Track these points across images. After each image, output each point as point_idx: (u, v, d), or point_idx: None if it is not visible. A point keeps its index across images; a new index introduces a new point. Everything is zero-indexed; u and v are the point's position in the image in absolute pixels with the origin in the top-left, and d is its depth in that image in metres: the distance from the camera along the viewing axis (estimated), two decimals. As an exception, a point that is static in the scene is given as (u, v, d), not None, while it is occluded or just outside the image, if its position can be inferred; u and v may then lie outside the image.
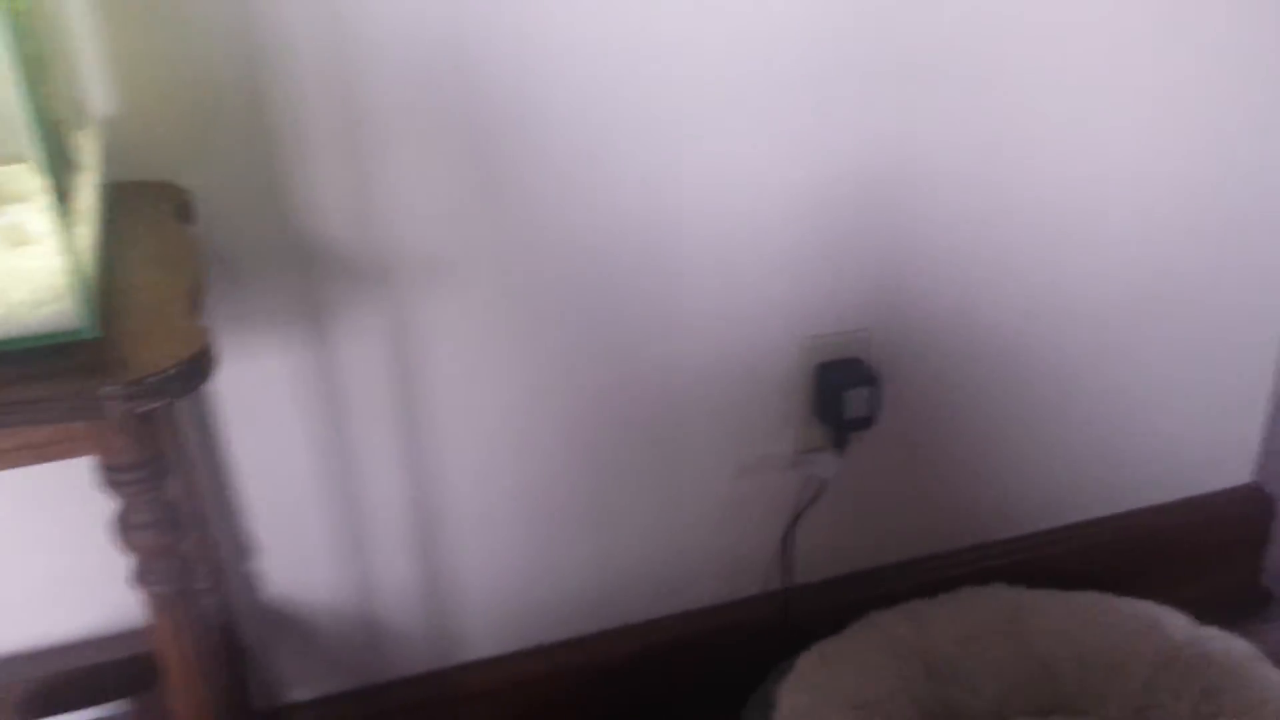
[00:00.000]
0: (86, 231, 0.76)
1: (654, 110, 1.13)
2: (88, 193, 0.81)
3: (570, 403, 1.24)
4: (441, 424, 1.20)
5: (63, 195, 0.72)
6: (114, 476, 0.75)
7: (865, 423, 1.33)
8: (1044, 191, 1.32)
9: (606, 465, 1.29)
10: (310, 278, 1.09)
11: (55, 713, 1.08)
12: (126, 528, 0.76)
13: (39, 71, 0.70)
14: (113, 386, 0.70)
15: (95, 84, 0.96)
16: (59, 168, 0.72)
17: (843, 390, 1.31)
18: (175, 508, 0.78)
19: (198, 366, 0.74)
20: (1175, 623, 1.38)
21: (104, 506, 0.78)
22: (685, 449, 1.32)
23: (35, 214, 0.80)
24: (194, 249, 0.89)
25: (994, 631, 1.39)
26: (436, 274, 1.14)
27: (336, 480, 1.19)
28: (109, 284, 0.80)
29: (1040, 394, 1.45)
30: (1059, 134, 1.29)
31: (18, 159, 0.86)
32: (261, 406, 1.12)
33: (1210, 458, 1.62)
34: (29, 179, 0.85)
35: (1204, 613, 1.40)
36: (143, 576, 0.77)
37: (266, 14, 0.97)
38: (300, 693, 1.29)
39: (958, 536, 1.52)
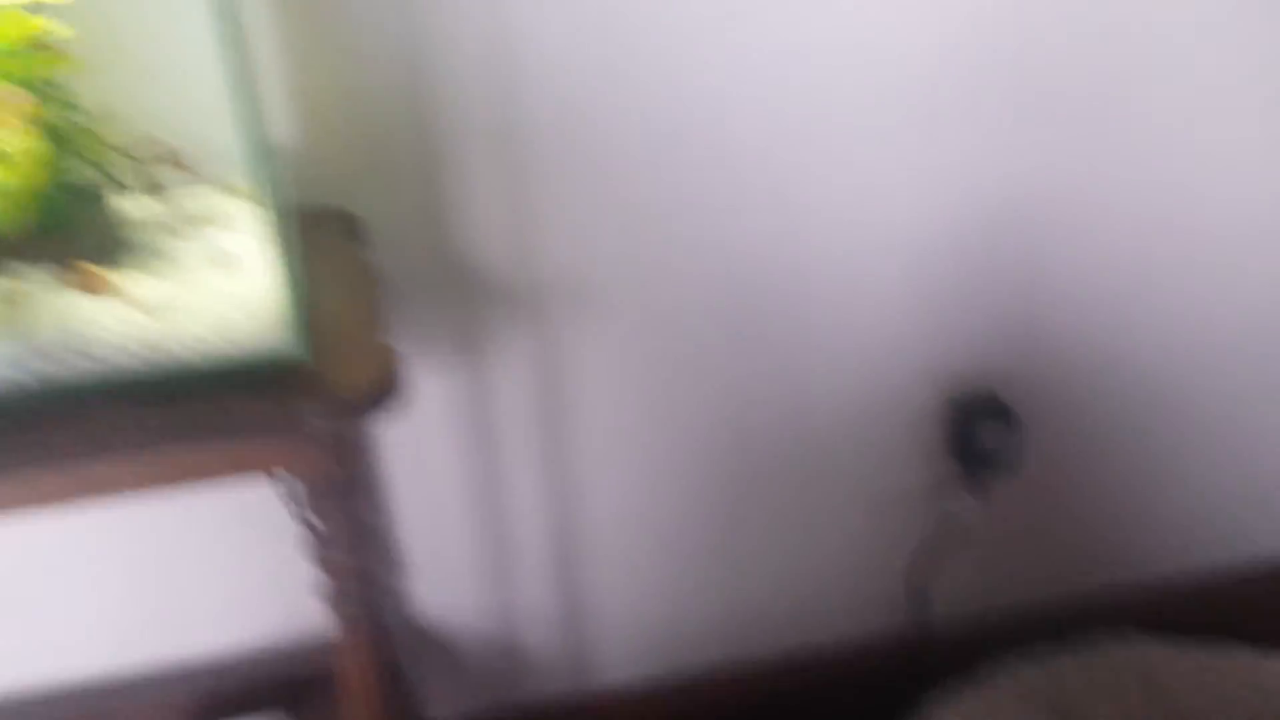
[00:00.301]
0: (290, 256, 0.79)
1: (794, 147, 1.13)
2: (286, 218, 0.85)
3: (708, 433, 1.25)
4: (584, 452, 1.22)
5: (274, 221, 0.76)
6: (313, 495, 0.78)
7: (1001, 461, 1.31)
8: (1187, 229, 1.29)
9: (742, 497, 1.29)
10: (466, 303, 1.12)
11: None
12: (322, 546, 0.79)
13: (255, 97, 0.73)
14: (318, 405, 0.74)
15: (272, 112, 1.01)
16: (273, 194, 0.75)
17: (979, 428, 1.30)
18: (369, 528, 0.80)
19: (392, 387, 0.77)
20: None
21: (272, 528, 0.81)
22: (819, 483, 1.31)
23: (240, 238, 0.84)
24: (372, 273, 0.92)
25: (1130, 685, 1.35)
26: (584, 301, 1.16)
27: (483, 504, 1.21)
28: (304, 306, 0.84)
29: (1183, 435, 1.42)
30: (1204, 171, 1.26)
31: (225, 183, 0.91)
32: (414, 428, 1.15)
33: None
34: (231, 203, 0.89)
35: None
36: (334, 595, 0.80)
37: (433, 48, 1.00)
38: (439, 710, 1.31)
39: (1094, 579, 1.49)
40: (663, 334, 1.19)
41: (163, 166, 0.82)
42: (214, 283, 0.77)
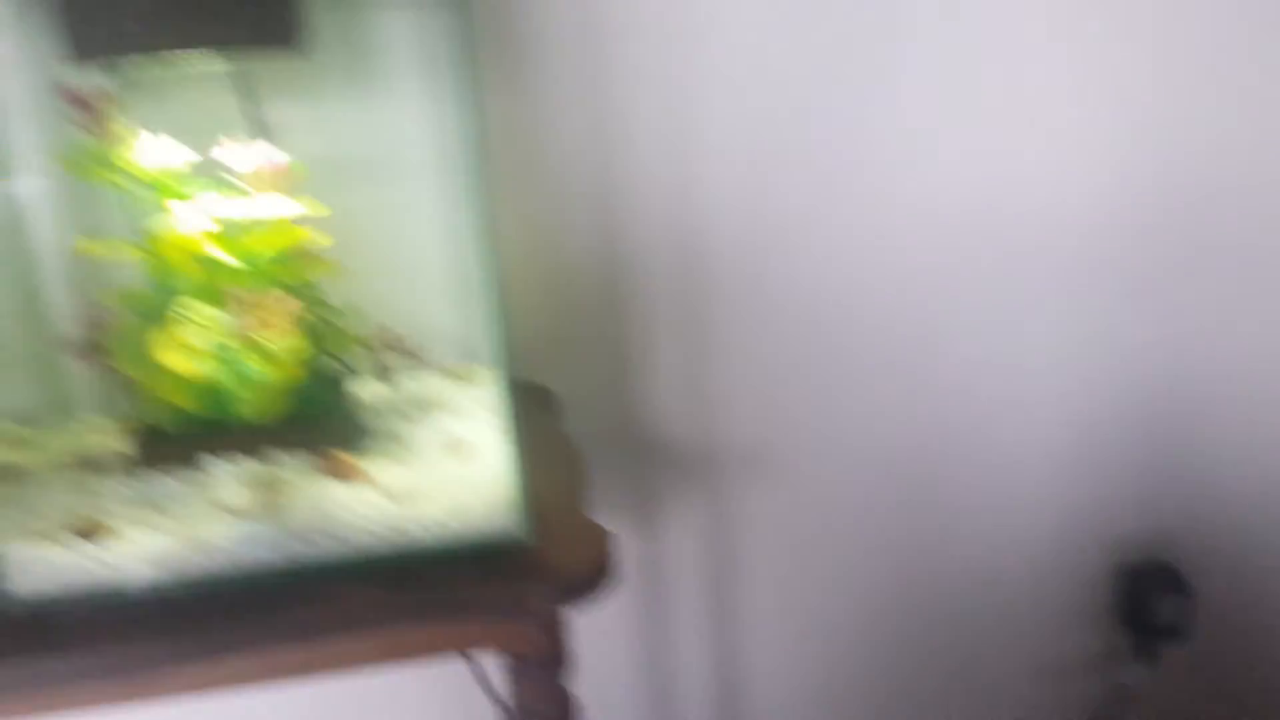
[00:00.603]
0: (517, 442, 0.82)
1: (964, 319, 1.17)
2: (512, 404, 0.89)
3: (875, 598, 1.25)
4: (752, 615, 1.23)
5: (504, 409, 0.80)
6: (528, 670, 0.81)
7: (1172, 629, 1.28)
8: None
9: (908, 662, 1.29)
10: (645, 468, 1.16)
11: None
12: (530, 718, 0.82)
13: (499, 294, 0.78)
14: (542, 588, 0.78)
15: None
16: (505, 382, 0.80)
17: (1149, 595, 1.27)
18: (574, 704, 0.83)
19: (608, 570, 0.81)
20: None
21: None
22: (985, 650, 1.30)
23: (466, 422, 0.89)
24: (575, 448, 0.97)
25: None
26: (758, 467, 1.19)
27: (651, 660, 1.23)
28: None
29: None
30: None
31: (448, 368, 0.97)
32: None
33: None
34: (455, 386, 0.96)
35: None
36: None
37: (623, 235, 1.07)
38: None
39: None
40: (832, 499, 1.22)
41: (394, 354, 0.89)
42: (446, 467, 0.82)
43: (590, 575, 0.79)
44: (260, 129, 0.83)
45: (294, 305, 0.77)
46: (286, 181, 0.79)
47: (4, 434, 0.77)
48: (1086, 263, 1.17)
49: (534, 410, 1.04)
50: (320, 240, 0.82)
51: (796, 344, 1.15)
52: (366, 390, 0.92)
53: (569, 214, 1.05)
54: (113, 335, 0.79)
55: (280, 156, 0.79)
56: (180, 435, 0.80)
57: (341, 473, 0.79)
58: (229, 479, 0.79)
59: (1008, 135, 1.10)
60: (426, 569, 0.78)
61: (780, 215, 1.09)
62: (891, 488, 1.22)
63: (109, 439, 0.88)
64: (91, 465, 0.84)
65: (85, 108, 0.72)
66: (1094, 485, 1.27)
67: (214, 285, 0.78)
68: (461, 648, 0.80)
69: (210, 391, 0.78)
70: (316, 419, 0.82)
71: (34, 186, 0.85)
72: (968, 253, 1.14)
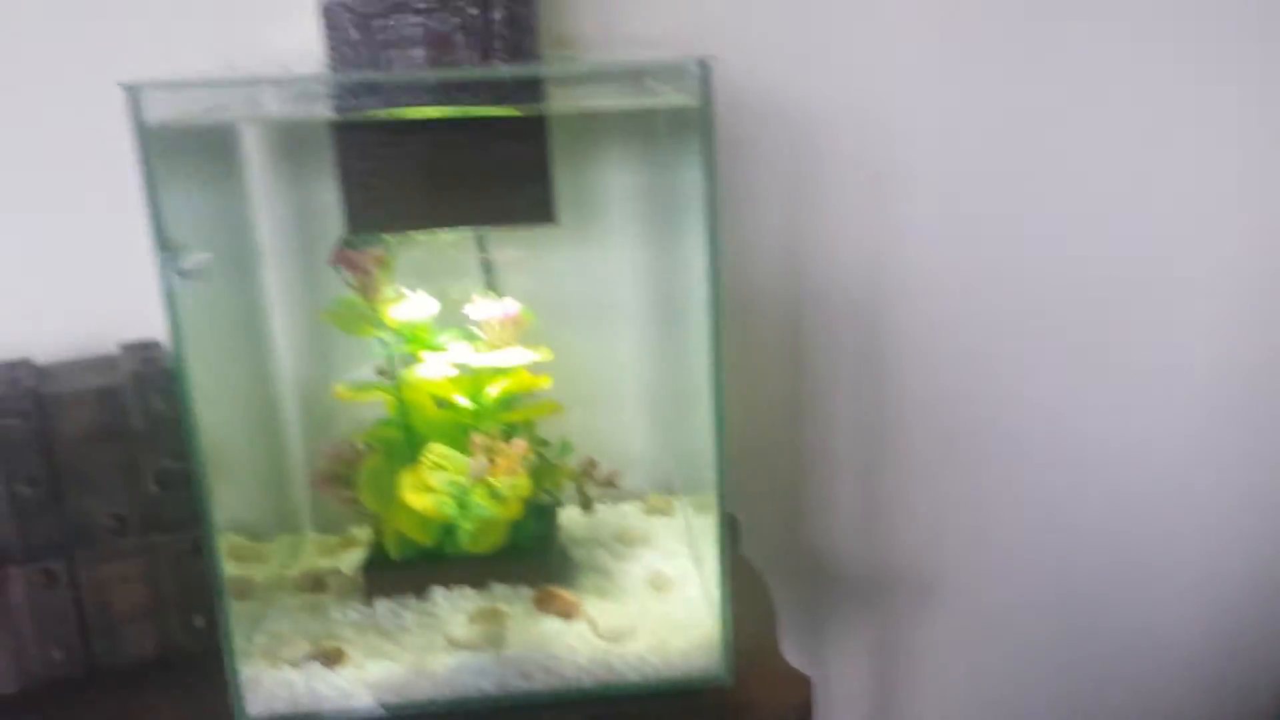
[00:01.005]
0: (725, 582, 0.84)
1: (1129, 448, 1.16)
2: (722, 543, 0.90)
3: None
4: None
5: (717, 550, 0.82)
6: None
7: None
8: None
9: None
10: (814, 591, 1.18)
11: None
12: None
13: (723, 435, 0.80)
14: (746, 734, 0.80)
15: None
16: (721, 519, 0.82)
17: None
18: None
19: (805, 714, 0.82)
20: None
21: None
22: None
23: (669, 558, 0.93)
24: (761, 580, 0.99)
25: None
26: (921, 595, 1.20)
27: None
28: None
29: None
30: None
31: (649, 502, 1.02)
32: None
33: None
34: (657, 521, 1.00)
35: None
36: None
37: (805, 366, 1.10)
38: None
39: None
40: (998, 628, 1.21)
41: (597, 485, 0.93)
42: (650, 603, 0.86)
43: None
44: (493, 280, 0.90)
45: (525, 449, 0.82)
46: (518, 330, 0.84)
47: (238, 549, 0.83)
48: (1266, 380, 1.17)
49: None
50: (543, 382, 0.87)
51: (970, 473, 1.16)
52: (572, 521, 0.97)
53: (755, 341, 1.09)
54: (355, 468, 0.86)
55: (513, 307, 0.84)
56: (407, 564, 0.86)
57: (557, 608, 0.83)
58: (452, 609, 0.84)
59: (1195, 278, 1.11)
60: (632, 706, 0.82)
61: (962, 350, 1.11)
62: (1060, 612, 1.21)
63: (336, 561, 0.94)
64: (321, 586, 0.90)
65: (356, 270, 0.80)
66: (1264, 613, 1.23)
67: (454, 427, 0.84)
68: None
69: (439, 526, 0.83)
70: (530, 551, 0.87)
71: (288, 327, 0.94)
72: (1143, 393, 1.15)
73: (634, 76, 0.73)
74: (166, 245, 0.69)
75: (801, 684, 0.85)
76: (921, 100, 1.03)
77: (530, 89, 0.75)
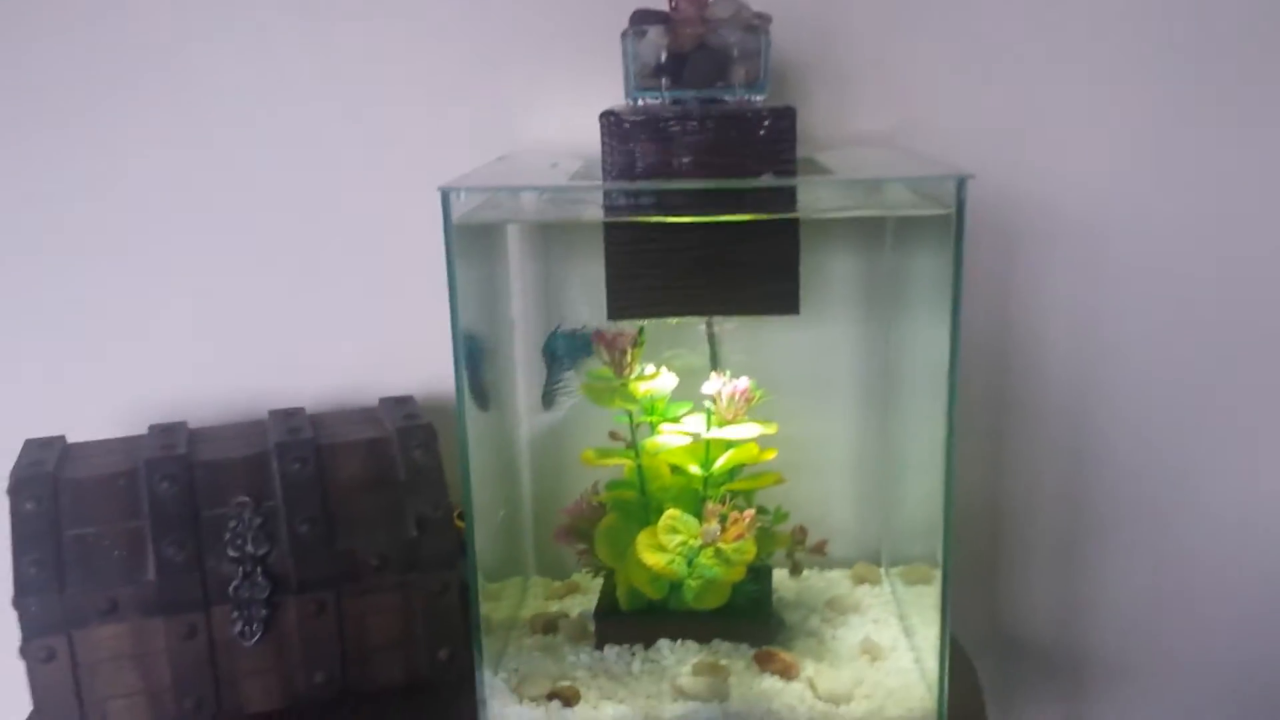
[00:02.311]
0: (944, 654, 0.87)
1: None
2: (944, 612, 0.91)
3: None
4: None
5: (941, 619, 0.85)
6: None
7: None
8: None
9: None
10: (1006, 665, 1.18)
11: None
12: None
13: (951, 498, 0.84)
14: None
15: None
16: (945, 592, 0.85)
17: None
18: None
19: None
20: None
21: None
22: None
23: (878, 626, 0.97)
24: (966, 655, 1.00)
25: None
26: (1114, 682, 1.19)
27: None
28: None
29: None
30: None
31: (857, 569, 1.05)
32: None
33: None
34: (863, 590, 1.03)
35: None
36: None
37: (1009, 442, 1.12)
38: None
39: None
40: (1195, 713, 1.19)
41: (806, 551, 0.98)
42: (866, 671, 0.90)
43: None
44: (721, 358, 0.97)
45: (754, 518, 0.87)
46: (747, 405, 0.90)
47: (484, 590, 0.91)
48: None
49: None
50: (769, 455, 0.93)
51: (1176, 555, 1.15)
52: (782, 585, 1.02)
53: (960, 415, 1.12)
54: (593, 524, 0.93)
55: (744, 383, 0.91)
56: (635, 615, 0.92)
57: (777, 667, 0.88)
58: (677, 660, 0.90)
59: None
60: (844, 769, 0.86)
61: (1174, 428, 1.12)
62: (1256, 712, 1.19)
63: (562, 606, 1.02)
64: (553, 629, 0.97)
65: (612, 349, 0.87)
66: None
67: (684, 492, 0.90)
68: None
69: (667, 582, 0.90)
70: (747, 611, 0.92)
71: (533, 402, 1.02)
72: None
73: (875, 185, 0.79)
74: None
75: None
76: (1131, 174, 1.05)
77: (785, 195, 0.82)
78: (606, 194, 0.83)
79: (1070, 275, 1.07)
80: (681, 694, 0.86)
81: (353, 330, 1.09)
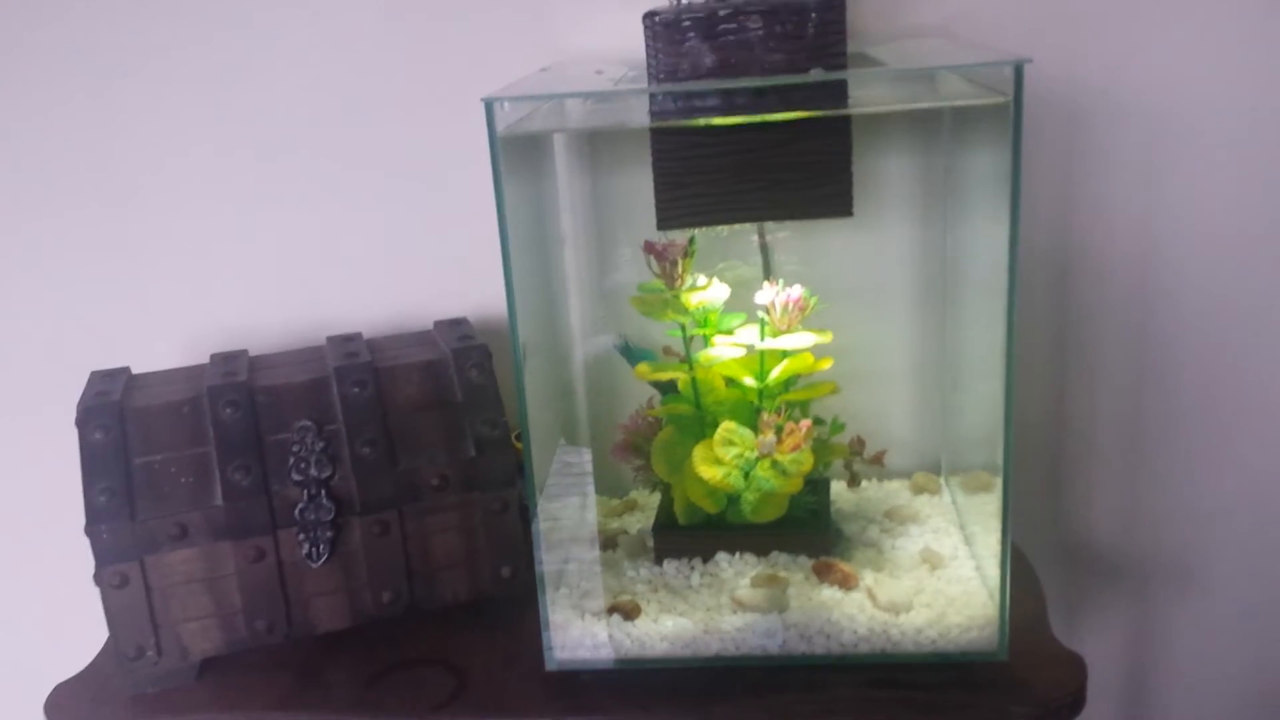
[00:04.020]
0: (1005, 563, 0.86)
1: None
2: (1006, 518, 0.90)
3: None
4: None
5: (1003, 525, 0.84)
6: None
7: None
8: None
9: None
10: (1072, 572, 1.17)
11: None
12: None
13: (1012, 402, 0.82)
14: (1024, 708, 0.82)
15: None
16: (1008, 499, 0.84)
17: None
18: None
19: (1083, 700, 0.84)
20: None
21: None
22: None
23: (939, 536, 0.96)
24: (1028, 562, 1.00)
25: None
26: (1180, 580, 1.17)
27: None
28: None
29: None
30: None
31: (917, 481, 1.04)
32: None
33: None
34: (924, 500, 1.02)
35: None
36: None
37: (1074, 342, 1.10)
38: None
39: None
40: (1259, 615, 1.18)
41: (865, 462, 0.97)
42: (926, 580, 0.89)
43: (1068, 702, 0.83)
44: (774, 267, 0.95)
45: (809, 428, 0.86)
46: (801, 314, 0.89)
47: (543, 509, 0.91)
48: None
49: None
50: (824, 364, 0.91)
51: (1239, 462, 1.12)
52: (840, 496, 1.02)
53: (1022, 324, 1.08)
54: (649, 440, 0.93)
55: (797, 292, 0.89)
56: (693, 529, 0.93)
57: (835, 578, 0.88)
58: (735, 574, 0.91)
59: None
60: (908, 674, 0.85)
61: (1236, 338, 1.08)
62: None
63: (621, 523, 1.02)
64: (612, 545, 0.98)
65: (663, 260, 0.86)
66: None
67: (739, 405, 0.90)
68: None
69: (725, 495, 0.89)
70: (805, 524, 0.92)
71: (580, 307, 1.02)
72: None
73: (928, 75, 0.76)
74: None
75: (1077, 666, 0.87)
76: (1199, 84, 1.01)
77: (836, 90, 0.79)
78: (652, 98, 0.81)
79: (1133, 172, 1.03)
80: (740, 606, 0.87)
81: (405, 254, 1.09)
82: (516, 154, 0.83)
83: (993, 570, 0.86)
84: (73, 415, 0.89)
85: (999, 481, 0.82)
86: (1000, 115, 0.71)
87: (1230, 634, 1.19)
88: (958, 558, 0.93)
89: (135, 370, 0.99)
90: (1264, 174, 1.03)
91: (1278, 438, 1.12)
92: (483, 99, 0.71)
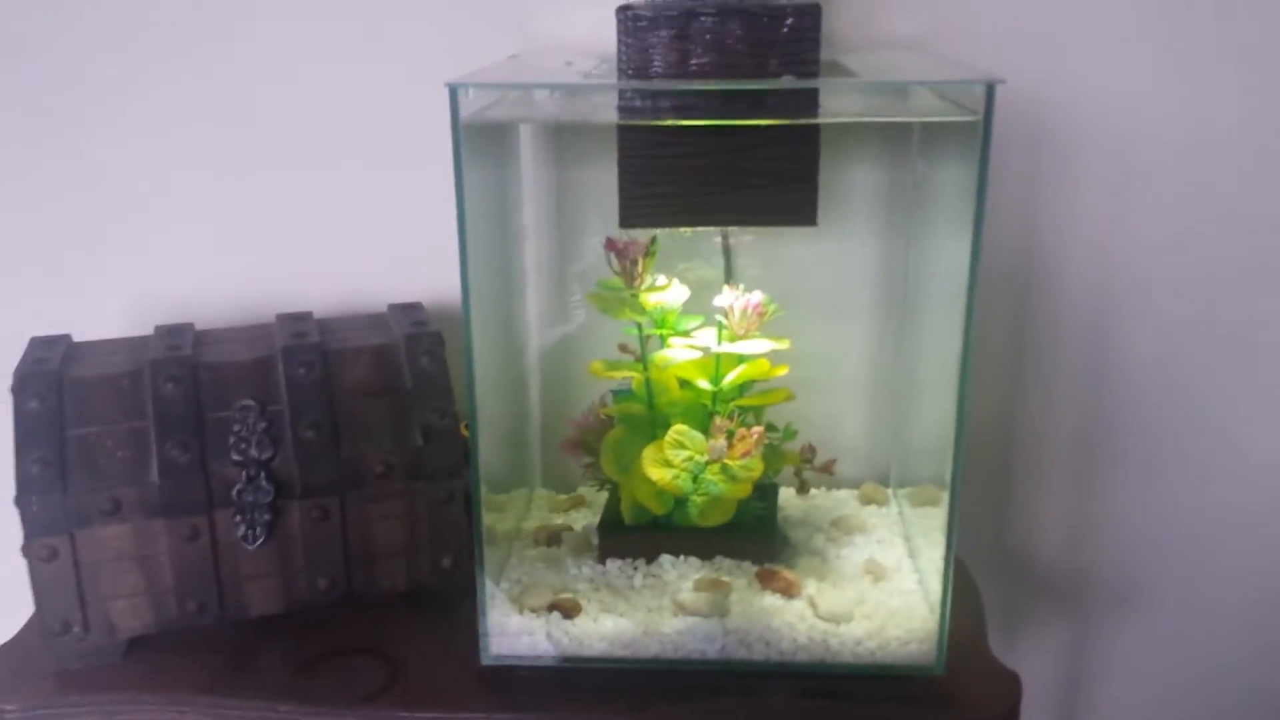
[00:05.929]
0: (948, 579, 0.85)
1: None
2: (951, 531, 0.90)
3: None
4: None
5: (947, 538, 0.85)
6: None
7: None
8: None
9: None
10: (1013, 587, 1.18)
11: None
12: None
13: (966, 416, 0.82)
14: (959, 725, 0.83)
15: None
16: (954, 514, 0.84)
17: None
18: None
19: (1014, 714, 0.85)
20: None
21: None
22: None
23: (883, 547, 0.96)
24: (971, 577, 1.00)
25: None
26: (1121, 599, 1.19)
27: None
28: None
29: None
30: None
31: (865, 490, 1.04)
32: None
33: None
34: (869, 510, 1.02)
35: None
36: None
37: (1028, 360, 1.11)
38: None
39: None
40: (1198, 633, 1.19)
41: (813, 470, 0.97)
42: (869, 590, 0.89)
43: (1001, 717, 0.84)
44: (735, 271, 0.95)
45: (762, 435, 0.86)
46: (760, 320, 0.89)
47: (487, 501, 0.90)
48: None
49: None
50: (780, 371, 0.91)
51: (1186, 481, 1.14)
52: (789, 503, 1.01)
53: (978, 337, 1.09)
54: (599, 437, 0.92)
55: (757, 297, 0.89)
56: (638, 530, 0.92)
57: (778, 585, 0.88)
58: (679, 576, 0.90)
59: None
60: (844, 685, 0.85)
61: (1189, 357, 1.09)
62: (1260, 632, 1.18)
63: (566, 519, 1.01)
64: (556, 541, 0.97)
65: (624, 258, 0.85)
66: None
67: (693, 407, 0.89)
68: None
69: (672, 498, 0.89)
70: (752, 529, 0.92)
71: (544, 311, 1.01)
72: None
73: (900, 89, 0.76)
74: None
75: (1011, 682, 0.87)
76: (1162, 105, 1.01)
77: (807, 98, 0.78)
78: (621, 94, 0.80)
79: (1097, 190, 1.04)
80: (682, 609, 0.86)
81: (362, 235, 1.07)
82: (480, 141, 0.82)
83: (935, 584, 0.86)
84: (8, 382, 0.87)
85: (946, 496, 0.82)
86: (969, 132, 0.71)
87: (1167, 656, 1.21)
88: (901, 570, 0.93)
89: (77, 338, 0.97)
90: (1222, 195, 1.04)
91: (1228, 461, 1.13)
92: (446, 83, 0.69)
